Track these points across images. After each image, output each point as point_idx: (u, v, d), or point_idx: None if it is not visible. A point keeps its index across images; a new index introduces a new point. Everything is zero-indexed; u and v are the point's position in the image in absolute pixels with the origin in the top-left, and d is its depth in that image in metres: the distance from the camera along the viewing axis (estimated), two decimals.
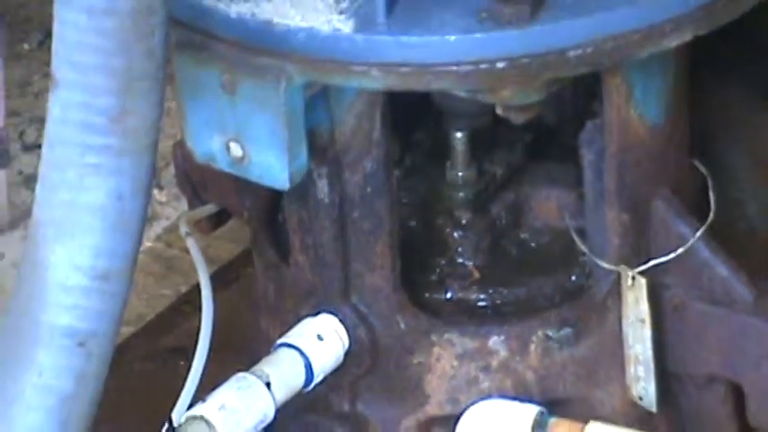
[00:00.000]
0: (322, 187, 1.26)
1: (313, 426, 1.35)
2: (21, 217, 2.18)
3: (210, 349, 1.28)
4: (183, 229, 1.49)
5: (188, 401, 1.25)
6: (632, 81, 1.24)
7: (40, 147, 1.23)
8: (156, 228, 1.85)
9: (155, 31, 1.01)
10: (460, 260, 1.37)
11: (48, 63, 1.14)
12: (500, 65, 1.11)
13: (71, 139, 1.01)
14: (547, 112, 1.35)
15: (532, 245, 1.41)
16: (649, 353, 1.27)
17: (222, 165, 1.18)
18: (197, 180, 1.51)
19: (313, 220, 1.31)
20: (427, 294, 1.34)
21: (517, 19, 1.10)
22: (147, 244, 1.75)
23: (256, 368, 1.24)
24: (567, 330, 1.29)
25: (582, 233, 1.31)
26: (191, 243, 1.51)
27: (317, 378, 1.24)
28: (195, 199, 1.61)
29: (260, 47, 1.13)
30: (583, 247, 1.30)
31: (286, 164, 1.17)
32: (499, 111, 1.23)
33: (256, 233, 1.47)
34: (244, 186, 1.37)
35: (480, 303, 1.35)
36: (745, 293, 1.25)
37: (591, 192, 1.29)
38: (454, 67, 1.13)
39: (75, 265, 1.02)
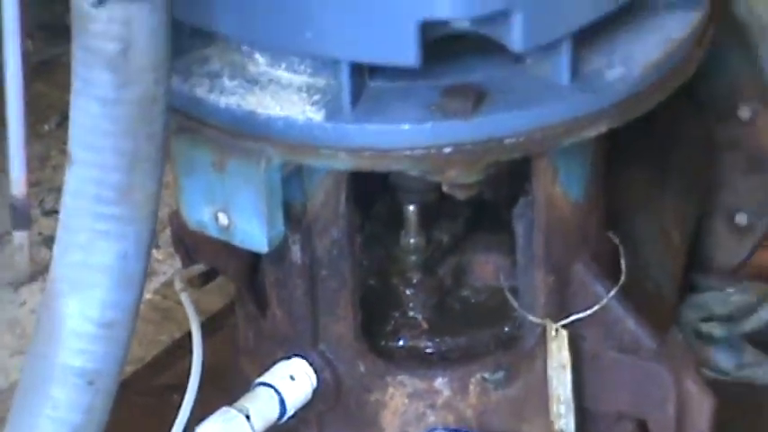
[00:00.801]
0: (295, 251, 1.33)
1: None
2: (40, 271, 2.24)
3: (200, 386, 1.33)
4: (178, 284, 1.54)
5: (180, 430, 1.39)
6: (557, 164, 1.32)
7: (57, 212, 1.30)
8: (155, 282, 1.89)
9: (157, 118, 1.09)
10: (412, 313, 1.44)
11: (64, 141, 1.20)
12: (447, 150, 1.19)
13: (84, 209, 1.09)
14: (486, 189, 1.39)
15: (473, 301, 1.48)
16: (569, 393, 1.34)
17: (211, 231, 1.27)
18: (190, 243, 1.56)
19: (287, 279, 1.38)
20: (383, 342, 1.41)
21: (462, 111, 1.17)
22: (146, 296, 1.80)
23: (238, 403, 1.28)
24: (500, 373, 1.36)
25: (514, 292, 1.38)
26: (184, 296, 1.57)
27: (290, 412, 1.31)
28: (188, 258, 1.66)
29: (245, 132, 1.21)
30: (515, 304, 1.36)
31: (265, 231, 1.25)
32: (445, 188, 1.30)
33: (239, 289, 1.53)
34: (229, 249, 1.39)
35: (428, 350, 1.41)
36: (650, 343, 1.33)
37: (522, 257, 1.36)
38: (408, 152, 1.20)
39: (85, 316, 1.09)
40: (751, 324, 1.68)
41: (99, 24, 1.05)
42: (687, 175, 1.70)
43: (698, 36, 1.35)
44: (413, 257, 1.43)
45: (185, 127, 1.24)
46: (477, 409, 1.38)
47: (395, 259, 1.46)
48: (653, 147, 1.64)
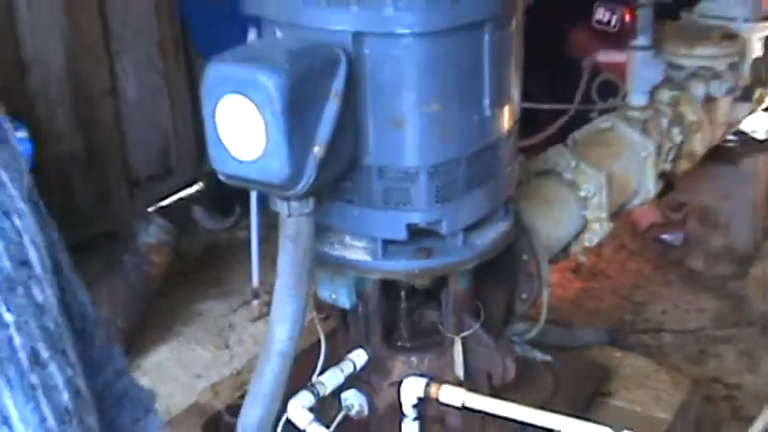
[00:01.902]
0: (358, 313, 2.30)
1: None
2: None
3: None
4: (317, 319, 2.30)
5: None
6: (458, 278, 2.21)
7: None
8: None
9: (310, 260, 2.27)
10: (402, 332, 2.39)
11: None
12: (417, 272, 2.11)
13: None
14: (431, 284, 2.29)
15: (426, 327, 2.43)
16: (461, 362, 2.27)
17: (328, 301, 2.47)
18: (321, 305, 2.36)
19: (358, 320, 2.33)
20: (392, 341, 2.35)
21: (424, 257, 2.08)
22: None
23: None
24: (434, 356, 2.32)
25: (442, 324, 2.31)
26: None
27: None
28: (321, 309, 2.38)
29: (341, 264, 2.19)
30: (442, 329, 2.30)
31: (348, 301, 2.23)
32: (416, 285, 2.27)
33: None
34: (338, 310, 2.28)
35: (408, 345, 2.38)
36: (492, 343, 2.30)
37: (444, 311, 2.29)
38: (406, 273, 2.13)
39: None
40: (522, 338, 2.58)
41: (290, 226, 1.86)
42: (506, 280, 2.51)
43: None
44: (402, 309, 2.34)
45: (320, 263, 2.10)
46: (430, 371, 2.28)
47: (397, 311, 2.35)
48: (493, 267, 2.33)
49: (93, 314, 1.54)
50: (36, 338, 1.29)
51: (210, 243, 4.50)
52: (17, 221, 1.33)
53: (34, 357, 1.29)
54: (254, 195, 3.76)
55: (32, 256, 1.34)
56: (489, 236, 2.21)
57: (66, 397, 1.31)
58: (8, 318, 1.25)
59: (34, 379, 1.28)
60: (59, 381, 1.32)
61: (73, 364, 1.37)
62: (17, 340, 1.26)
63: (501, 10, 1.98)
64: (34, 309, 1.30)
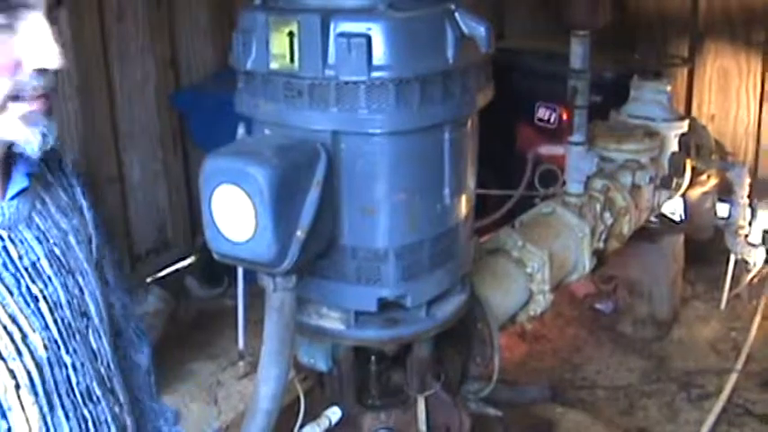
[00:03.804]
0: (335, 374, 2.33)
1: None
2: None
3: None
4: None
5: None
6: (421, 345, 2.23)
7: None
8: None
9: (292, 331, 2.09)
10: (372, 391, 2.36)
11: None
12: (387, 340, 2.11)
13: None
14: (399, 349, 2.27)
15: (394, 386, 2.37)
16: (423, 419, 2.27)
17: (307, 365, 2.49)
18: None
19: (334, 379, 2.28)
20: (362, 398, 2.33)
21: (380, 326, 2.07)
22: None
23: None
24: (400, 412, 2.30)
25: (406, 384, 2.31)
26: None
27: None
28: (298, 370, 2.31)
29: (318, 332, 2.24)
30: (407, 389, 2.27)
31: (325, 364, 2.23)
32: (386, 351, 2.24)
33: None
34: (320, 375, 2.28)
35: (377, 402, 2.34)
36: (449, 399, 2.29)
37: (410, 373, 2.28)
38: (378, 342, 2.12)
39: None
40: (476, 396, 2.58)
41: (275, 299, 1.85)
42: (463, 346, 2.53)
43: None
44: (372, 371, 2.34)
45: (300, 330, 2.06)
46: (396, 426, 2.30)
47: (368, 373, 2.33)
48: (452, 334, 2.32)
49: (144, 364, 1.71)
50: (90, 378, 1.35)
51: (202, 309, 4.49)
52: (80, 279, 1.39)
53: (88, 394, 1.35)
54: (240, 268, 3.75)
55: (92, 308, 1.41)
56: (448, 307, 2.20)
57: (113, 429, 1.38)
58: (67, 359, 1.31)
59: (86, 413, 1.33)
60: (108, 415, 1.39)
61: (121, 404, 1.44)
62: (73, 379, 1.32)
63: (459, 113, 1.99)
64: (91, 354, 1.37)
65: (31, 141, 1.23)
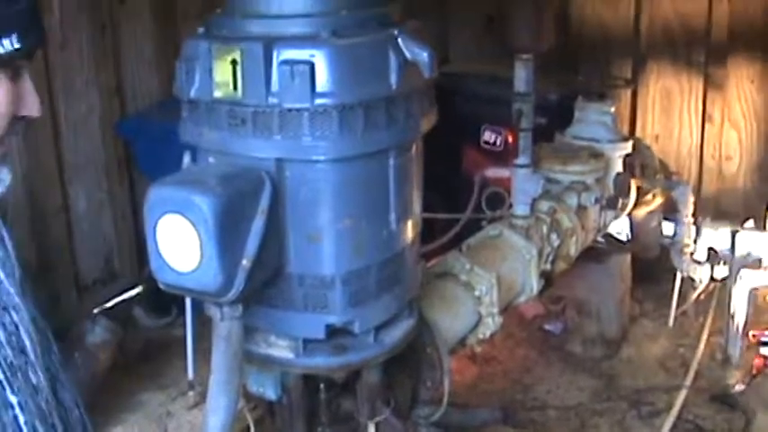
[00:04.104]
0: (285, 402, 2.28)
1: None
2: None
3: None
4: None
5: None
6: (370, 371, 2.22)
7: None
8: None
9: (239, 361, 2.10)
10: (323, 418, 2.34)
11: None
12: (336, 367, 2.12)
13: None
14: (348, 376, 2.25)
15: (344, 413, 2.35)
16: None
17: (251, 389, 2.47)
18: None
19: (283, 410, 2.24)
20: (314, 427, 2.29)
21: (328, 354, 2.09)
22: None
23: None
24: None
25: (357, 411, 2.29)
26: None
27: None
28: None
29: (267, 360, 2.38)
30: (357, 415, 2.27)
31: (274, 392, 2.23)
32: (335, 378, 2.22)
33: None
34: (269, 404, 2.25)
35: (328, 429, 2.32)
36: (398, 424, 2.30)
37: (360, 399, 2.28)
38: (326, 369, 2.12)
39: None
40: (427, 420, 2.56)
41: (222, 328, 1.86)
42: (412, 370, 2.52)
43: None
44: (322, 398, 2.33)
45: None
46: None
47: (317, 400, 2.32)
48: (401, 359, 2.33)
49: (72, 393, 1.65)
50: (34, 415, 1.36)
51: (150, 340, 4.45)
52: (14, 315, 1.39)
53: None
54: (188, 298, 3.72)
55: (28, 344, 1.40)
56: (397, 332, 2.21)
57: None
58: (13, 399, 1.31)
59: None
60: None
61: None
62: (21, 418, 1.33)
63: (404, 138, 2.00)
64: (32, 390, 1.37)
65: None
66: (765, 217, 4.48)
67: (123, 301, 4.71)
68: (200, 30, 1.99)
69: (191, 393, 3.88)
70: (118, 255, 4.76)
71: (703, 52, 5.01)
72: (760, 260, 4.06)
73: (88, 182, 4.49)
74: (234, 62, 1.86)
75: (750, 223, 4.19)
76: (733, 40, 4.93)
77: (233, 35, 1.92)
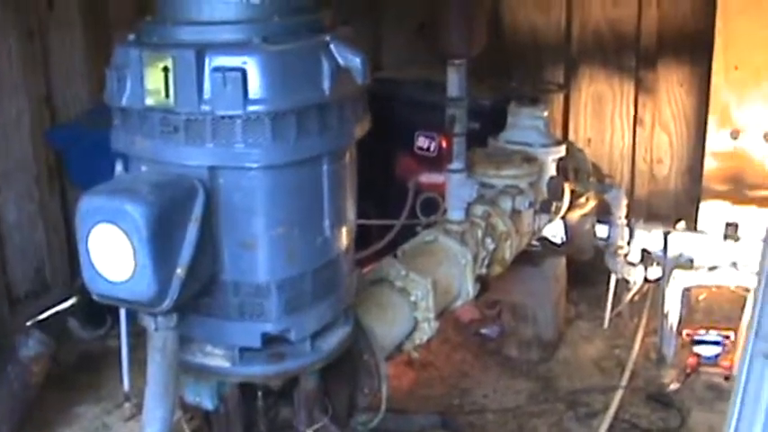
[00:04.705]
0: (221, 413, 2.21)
1: None
2: None
3: None
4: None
5: None
6: (307, 378, 2.23)
7: None
8: None
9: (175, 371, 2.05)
10: (261, 427, 2.31)
11: None
12: (272, 374, 2.13)
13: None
14: (285, 384, 2.26)
15: (282, 420, 2.35)
16: None
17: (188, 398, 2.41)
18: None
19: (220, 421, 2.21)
20: None
21: (265, 362, 2.09)
22: None
23: None
24: None
25: (297, 419, 2.28)
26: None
27: None
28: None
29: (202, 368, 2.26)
30: (296, 424, 2.27)
31: (210, 402, 2.21)
32: (271, 385, 2.23)
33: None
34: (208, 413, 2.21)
35: None
36: (335, 428, 2.29)
37: (297, 408, 2.29)
38: (263, 376, 2.13)
39: None
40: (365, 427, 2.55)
41: (157, 339, 1.87)
42: (349, 377, 2.49)
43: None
44: (260, 407, 2.33)
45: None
46: None
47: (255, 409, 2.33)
48: (338, 366, 2.34)
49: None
50: None
51: (85, 352, 4.39)
52: None
53: None
54: (123, 308, 3.68)
55: None
56: (333, 339, 2.22)
57: None
58: None
59: None
60: None
61: None
62: None
63: (337, 145, 2.00)
64: None
65: None
66: (696, 218, 4.55)
67: (57, 312, 4.63)
68: (131, 37, 1.98)
69: (127, 405, 3.83)
70: (50, 266, 4.69)
71: (634, 57, 5.08)
72: (692, 260, 4.11)
73: (19, 191, 4.42)
74: (165, 69, 1.85)
75: (682, 224, 4.24)
76: (662, 44, 5.00)
77: (164, 42, 1.91)
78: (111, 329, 4.39)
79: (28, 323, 4.32)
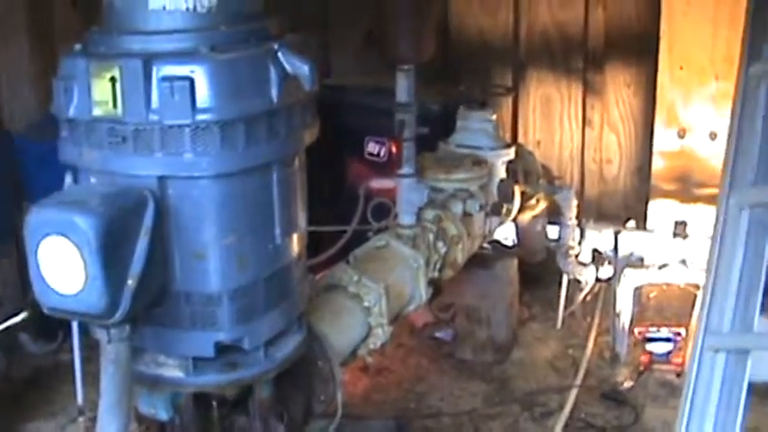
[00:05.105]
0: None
1: None
2: None
3: None
4: None
5: None
6: (262, 386, 2.22)
7: None
8: None
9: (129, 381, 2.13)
10: None
11: None
12: (226, 383, 2.13)
13: None
14: (239, 394, 2.26)
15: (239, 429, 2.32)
16: None
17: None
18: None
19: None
20: None
21: (219, 371, 2.09)
22: None
23: None
24: None
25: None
26: None
27: None
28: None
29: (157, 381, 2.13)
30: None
31: (165, 413, 2.20)
32: (226, 395, 2.23)
33: None
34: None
35: None
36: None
37: (252, 415, 2.28)
38: (217, 386, 2.13)
39: None
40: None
41: (110, 351, 2.08)
42: (304, 384, 2.50)
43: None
44: (215, 417, 2.30)
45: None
46: None
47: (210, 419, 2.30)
48: (292, 373, 2.34)
49: None
50: None
51: (37, 366, 4.35)
52: None
53: None
54: (74, 321, 3.66)
55: None
56: (287, 347, 2.23)
57: None
58: None
59: None
60: None
61: None
62: None
63: (286, 152, 2.02)
64: None
65: None
66: (645, 217, 4.60)
67: (7, 327, 4.59)
68: (77, 47, 1.97)
69: (81, 419, 3.80)
70: (0, 281, 4.63)
71: (581, 58, 5.13)
72: (642, 259, 4.16)
73: None
74: (113, 79, 1.86)
75: (631, 223, 4.29)
76: (609, 46, 5.05)
77: (111, 52, 1.90)
78: (63, 343, 4.35)
79: None
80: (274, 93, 1.95)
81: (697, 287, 3.96)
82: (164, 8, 1.89)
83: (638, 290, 4.10)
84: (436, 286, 3.35)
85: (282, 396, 2.39)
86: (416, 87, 3.26)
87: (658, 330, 4.08)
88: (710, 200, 4.23)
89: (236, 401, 2.33)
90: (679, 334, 4.02)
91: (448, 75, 5.07)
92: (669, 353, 4.01)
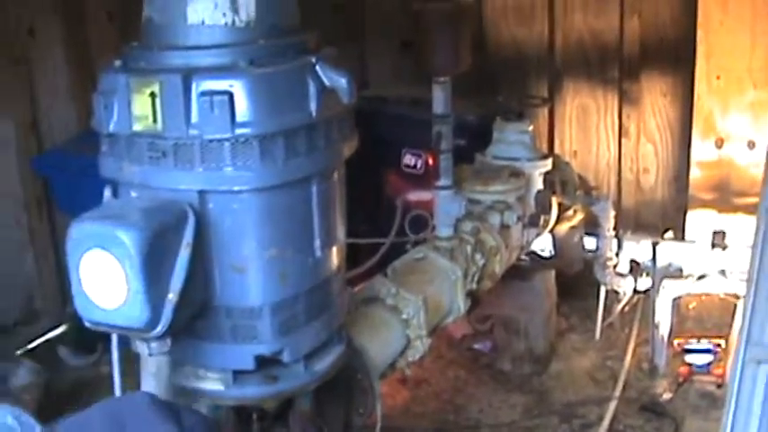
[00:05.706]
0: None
1: None
2: None
3: None
4: None
5: None
6: (301, 399, 2.22)
7: None
8: None
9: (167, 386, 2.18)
10: None
11: None
12: (265, 397, 2.12)
13: None
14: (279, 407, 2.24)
15: None
16: None
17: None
18: None
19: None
20: None
21: (259, 384, 2.09)
22: None
23: None
24: None
25: None
26: None
27: None
28: None
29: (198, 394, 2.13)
30: None
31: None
32: (266, 407, 2.21)
33: None
34: None
35: None
36: None
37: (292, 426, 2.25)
38: (256, 400, 2.12)
39: None
40: None
41: (150, 364, 2.07)
42: (344, 397, 2.51)
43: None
44: (254, 429, 2.29)
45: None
46: None
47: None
48: (332, 386, 2.34)
49: None
50: None
51: (77, 379, 4.37)
52: None
53: None
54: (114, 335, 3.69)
55: None
56: (327, 360, 2.22)
57: None
58: None
59: None
60: None
61: None
62: None
63: (325, 165, 2.01)
64: None
65: None
66: (684, 227, 4.57)
67: (47, 341, 4.63)
68: (117, 62, 1.98)
69: None
70: (40, 294, 4.67)
71: (617, 68, 5.11)
72: (681, 270, 4.13)
73: (6, 219, 4.41)
74: (153, 95, 1.86)
75: (669, 234, 4.26)
76: (645, 54, 5.04)
77: (151, 67, 1.91)
78: (102, 356, 4.37)
79: (18, 352, 4.30)
80: (313, 106, 1.95)
81: (736, 297, 3.94)
82: (203, 23, 1.91)
83: (676, 301, 4.06)
84: (474, 298, 3.34)
85: (322, 409, 2.38)
86: (453, 99, 3.25)
87: (698, 341, 4.04)
88: (749, 209, 4.23)
89: (276, 414, 2.32)
90: (719, 345, 3.98)
91: (484, 86, 5.07)
92: (709, 364, 3.97)
